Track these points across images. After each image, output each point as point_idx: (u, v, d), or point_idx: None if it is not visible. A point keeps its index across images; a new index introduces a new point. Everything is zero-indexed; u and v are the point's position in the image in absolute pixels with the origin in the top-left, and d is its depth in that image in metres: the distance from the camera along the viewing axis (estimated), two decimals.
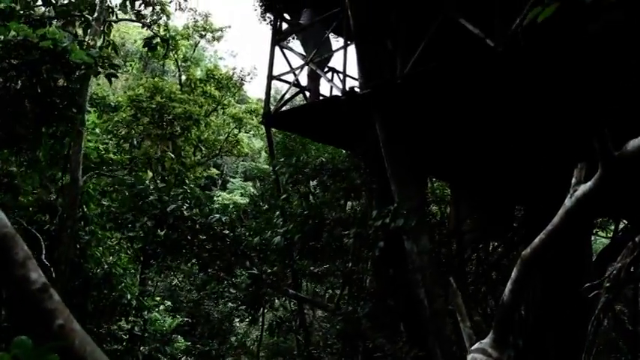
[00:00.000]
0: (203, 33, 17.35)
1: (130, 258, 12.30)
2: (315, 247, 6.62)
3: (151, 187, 7.94)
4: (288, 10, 9.24)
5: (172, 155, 11.89)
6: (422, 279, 6.85)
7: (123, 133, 14.52)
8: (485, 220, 10.19)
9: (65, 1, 7.62)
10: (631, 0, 1.66)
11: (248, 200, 28.47)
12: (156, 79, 14.94)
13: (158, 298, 17.13)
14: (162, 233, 7.33)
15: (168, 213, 6.93)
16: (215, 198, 29.22)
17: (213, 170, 22.33)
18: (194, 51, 18.82)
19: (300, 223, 6.21)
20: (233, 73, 16.33)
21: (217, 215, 7.01)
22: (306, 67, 8.61)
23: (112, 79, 6.78)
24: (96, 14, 8.51)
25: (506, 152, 8.39)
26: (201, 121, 14.92)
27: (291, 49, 8.79)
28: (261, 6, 9.76)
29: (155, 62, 24.40)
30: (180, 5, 13.11)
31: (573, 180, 2.20)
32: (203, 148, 15.99)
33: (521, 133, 7.57)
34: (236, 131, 16.98)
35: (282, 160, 7.13)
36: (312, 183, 11.35)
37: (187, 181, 15.34)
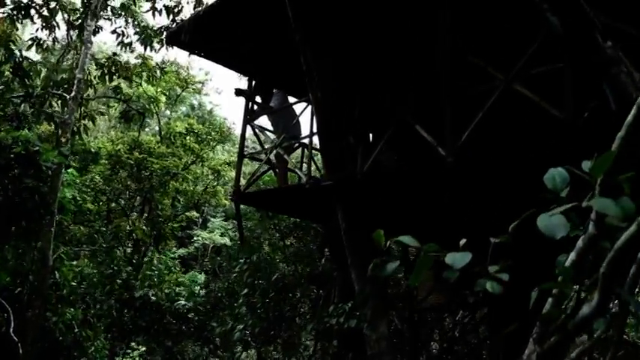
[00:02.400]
0: (184, 85, 17.73)
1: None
2: (277, 336, 6.85)
3: (121, 263, 8.12)
4: (261, 89, 9.57)
5: (145, 228, 12.07)
6: None
7: (100, 186, 14.72)
8: (450, 290, 10.46)
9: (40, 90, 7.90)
10: None
11: (229, 240, 28.40)
12: (135, 134, 15.20)
13: (133, 344, 16.99)
14: (129, 314, 7.52)
15: (135, 298, 7.13)
16: (195, 237, 29.17)
17: (193, 213, 22.50)
18: (176, 101, 19.16)
19: (260, 317, 6.46)
20: (212, 131, 16.68)
21: (183, 302, 7.23)
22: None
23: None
24: (73, 93, 8.79)
25: (468, 229, 8.74)
26: (179, 175, 15.18)
27: (261, 128, 9.13)
28: None
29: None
30: (162, 67, 13.43)
31: None
32: (181, 200, 16.20)
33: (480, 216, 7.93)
34: (214, 183, 17.23)
35: (242, 261, 7.38)
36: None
37: (164, 231, 15.53)
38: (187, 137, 16.18)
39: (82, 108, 9.80)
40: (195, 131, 16.11)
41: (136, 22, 11.95)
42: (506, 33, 6.80)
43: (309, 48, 7.08)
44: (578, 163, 1.85)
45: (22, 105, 7.45)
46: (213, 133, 16.48)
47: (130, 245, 12.78)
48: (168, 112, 29.45)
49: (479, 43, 6.88)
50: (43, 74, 9.27)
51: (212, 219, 30.79)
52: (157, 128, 19.40)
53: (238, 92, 8.95)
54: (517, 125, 6.53)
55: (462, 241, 2.14)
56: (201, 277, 22.66)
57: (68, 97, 8.70)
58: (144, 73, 13.53)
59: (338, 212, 7.47)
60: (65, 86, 8.99)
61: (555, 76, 5.77)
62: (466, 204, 6.91)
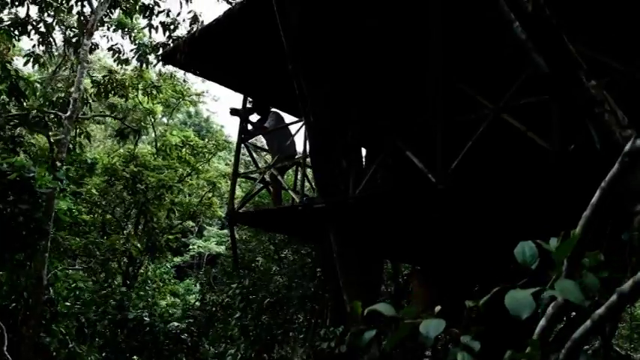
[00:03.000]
0: (181, 96, 17.82)
1: None
2: (269, 357, 6.92)
3: (116, 281, 8.17)
4: (257, 107, 9.67)
5: (139, 245, 12.13)
6: None
7: (96, 199, 14.78)
8: (444, 306, 10.52)
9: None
10: None
11: (225, 248, 28.30)
12: (131, 147, 15.27)
13: None
14: (123, 335, 7.58)
15: (129, 319, 7.19)
16: (191, 246, 29.03)
17: (189, 222, 22.51)
18: (172, 112, 19.26)
19: (252, 341, 6.53)
20: (208, 142, 16.76)
21: (176, 324, 7.30)
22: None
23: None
24: (69, 112, 8.85)
25: (458, 247, 8.83)
26: (174, 187, 15.22)
27: (256, 147, 9.22)
28: None
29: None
30: (158, 85, 13.53)
31: None
32: (177, 211, 16.22)
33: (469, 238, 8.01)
34: (210, 194, 17.29)
35: (234, 286, 7.46)
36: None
37: (159, 243, 15.56)
38: (183, 149, 16.25)
39: (78, 126, 9.86)
40: (191, 143, 16.19)
41: (132, 37, 12.03)
42: (496, 63, 6.91)
43: (302, 74, 7.18)
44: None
45: (18, 128, 7.52)
46: (209, 145, 16.56)
47: (126, 255, 12.84)
48: (164, 120, 29.52)
49: (469, 72, 6.99)
50: (38, 93, 9.33)
51: (208, 227, 30.76)
52: (152, 136, 19.48)
53: (233, 112, 9.05)
54: (507, 154, 6.63)
55: (437, 308, 2.21)
56: (197, 288, 22.62)
57: (64, 116, 8.76)
58: (140, 86, 13.63)
59: (330, 234, 7.56)
60: (61, 102, 9.04)
61: (544, 107, 5.87)
62: (456, 228, 7.00)
